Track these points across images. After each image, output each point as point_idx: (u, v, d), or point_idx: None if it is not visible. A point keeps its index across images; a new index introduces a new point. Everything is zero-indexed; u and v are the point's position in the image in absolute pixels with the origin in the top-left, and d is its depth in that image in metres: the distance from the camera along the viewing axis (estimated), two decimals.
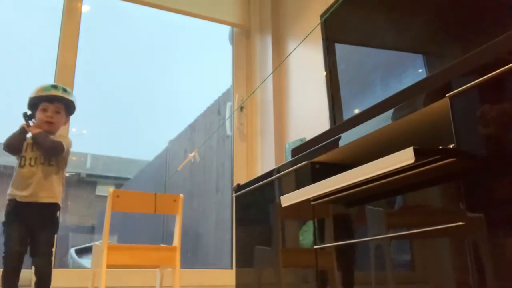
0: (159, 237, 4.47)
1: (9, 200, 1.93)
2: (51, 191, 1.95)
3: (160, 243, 2.06)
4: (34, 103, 2.06)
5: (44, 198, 1.92)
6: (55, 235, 1.97)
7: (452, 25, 1.35)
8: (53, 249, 1.93)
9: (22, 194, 1.90)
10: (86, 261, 3.96)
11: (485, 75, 0.76)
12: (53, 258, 2.03)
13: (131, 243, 1.89)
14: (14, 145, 1.98)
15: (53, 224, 1.95)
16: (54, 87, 2.08)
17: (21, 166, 1.95)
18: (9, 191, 1.95)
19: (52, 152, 1.97)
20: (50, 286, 1.88)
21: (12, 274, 1.82)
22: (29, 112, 2.07)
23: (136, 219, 4.75)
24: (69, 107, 2.11)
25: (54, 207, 1.96)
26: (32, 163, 1.96)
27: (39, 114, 2.04)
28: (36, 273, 1.87)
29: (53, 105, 2.04)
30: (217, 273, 2.54)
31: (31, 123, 2.05)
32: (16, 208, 1.90)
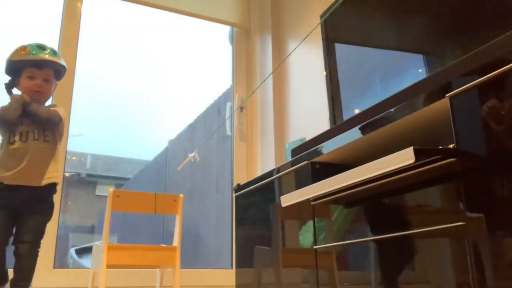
0: (159, 237, 4.47)
1: None
2: (47, 172, 1.67)
3: (160, 243, 2.07)
4: (17, 67, 1.72)
5: (39, 181, 1.65)
6: (47, 223, 1.71)
7: (452, 25, 1.35)
8: (44, 243, 1.69)
9: (11, 176, 1.61)
10: (86, 261, 3.96)
11: (485, 75, 0.76)
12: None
13: (131, 243, 1.89)
14: (12, 118, 1.64)
15: (47, 209, 1.70)
16: (42, 48, 1.73)
17: (10, 142, 1.65)
18: None
19: (49, 124, 1.68)
20: (31, 285, 1.64)
21: None
22: (8, 79, 1.75)
23: (136, 219, 4.76)
24: (59, 72, 1.79)
25: (50, 189, 1.70)
26: (24, 138, 1.65)
27: (24, 82, 1.71)
28: (16, 265, 1.60)
29: (41, 71, 1.71)
30: (217, 273, 2.54)
31: (13, 92, 1.74)
32: (2, 192, 1.63)
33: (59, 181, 1.73)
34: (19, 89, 1.74)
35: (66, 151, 2.30)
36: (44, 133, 1.68)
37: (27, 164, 1.63)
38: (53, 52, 1.76)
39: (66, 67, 1.80)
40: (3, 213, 1.62)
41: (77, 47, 2.47)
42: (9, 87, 1.75)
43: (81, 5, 2.55)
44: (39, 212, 1.67)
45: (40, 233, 1.67)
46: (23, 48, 1.70)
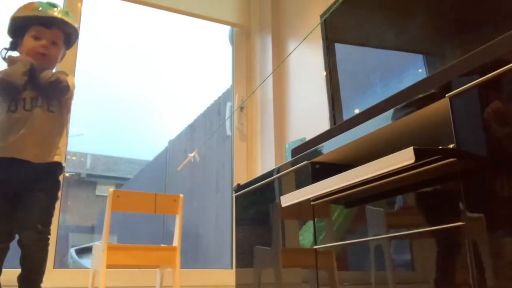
0: (159, 237, 4.47)
1: None
2: (49, 146, 1.42)
3: (160, 243, 2.07)
4: (21, 25, 1.48)
5: (37, 157, 1.39)
6: (55, 204, 1.46)
7: (452, 25, 1.35)
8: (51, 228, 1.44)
9: (6, 147, 1.37)
10: (86, 261, 3.97)
11: (485, 75, 0.76)
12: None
13: (131, 243, 1.89)
14: (19, 84, 1.38)
15: (52, 186, 1.46)
16: (53, 5, 1.49)
17: (10, 110, 1.40)
18: None
19: (54, 91, 1.43)
20: (41, 283, 1.39)
21: None
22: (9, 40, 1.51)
23: (136, 219, 4.76)
24: (69, 36, 1.57)
25: (55, 167, 1.46)
26: (28, 106, 1.40)
27: (28, 42, 1.47)
28: (23, 258, 1.36)
29: (50, 31, 1.48)
30: (217, 273, 2.54)
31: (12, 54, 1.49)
32: None
33: (62, 160, 1.47)
34: (20, 51, 1.50)
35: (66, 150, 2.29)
36: (48, 102, 1.44)
37: (28, 133, 1.38)
38: (65, 12, 1.53)
39: (78, 31, 1.58)
40: (3, 206, 1.37)
41: (77, 47, 2.47)
42: (10, 50, 1.51)
43: (81, 5, 2.54)
44: (41, 189, 1.41)
45: (48, 215, 1.42)
46: (30, 4, 1.46)
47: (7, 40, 1.55)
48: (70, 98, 1.52)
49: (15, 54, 1.52)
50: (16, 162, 1.38)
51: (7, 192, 1.39)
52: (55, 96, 1.46)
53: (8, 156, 1.37)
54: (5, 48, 1.51)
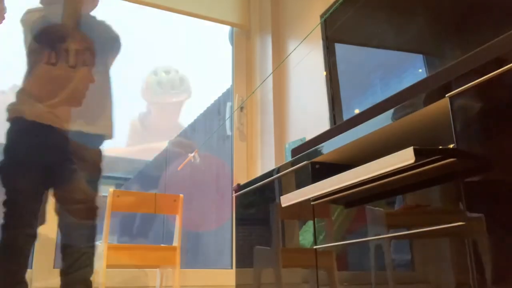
0: (159, 237, 4.47)
1: (13, 119, 1.07)
2: (98, 114, 1.16)
3: (160, 243, 2.07)
4: None
5: (86, 125, 1.13)
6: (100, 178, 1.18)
7: (452, 25, 1.35)
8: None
9: (42, 110, 1.06)
10: None
11: (485, 75, 0.76)
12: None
13: (131, 243, 1.89)
14: (65, 29, 1.11)
15: (97, 168, 1.19)
16: None
17: (50, 62, 1.11)
18: (12, 105, 1.07)
19: (110, 48, 1.18)
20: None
21: (15, 257, 1.07)
22: None
23: (136, 219, 4.75)
24: None
25: (99, 140, 1.21)
26: (72, 61, 1.10)
27: None
28: (68, 254, 1.13)
29: None
30: (217, 273, 2.54)
31: None
32: (27, 132, 1.06)
33: (112, 134, 1.21)
34: None
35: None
36: (93, 60, 1.16)
37: (66, 98, 1.08)
38: None
39: None
40: (29, 173, 1.06)
41: None
42: None
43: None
44: (89, 169, 1.13)
45: (96, 205, 1.15)
46: None
47: None
48: (115, 58, 1.28)
49: None
50: (53, 131, 1.10)
51: (39, 165, 1.11)
52: (108, 54, 1.20)
53: (43, 122, 1.09)
54: None
